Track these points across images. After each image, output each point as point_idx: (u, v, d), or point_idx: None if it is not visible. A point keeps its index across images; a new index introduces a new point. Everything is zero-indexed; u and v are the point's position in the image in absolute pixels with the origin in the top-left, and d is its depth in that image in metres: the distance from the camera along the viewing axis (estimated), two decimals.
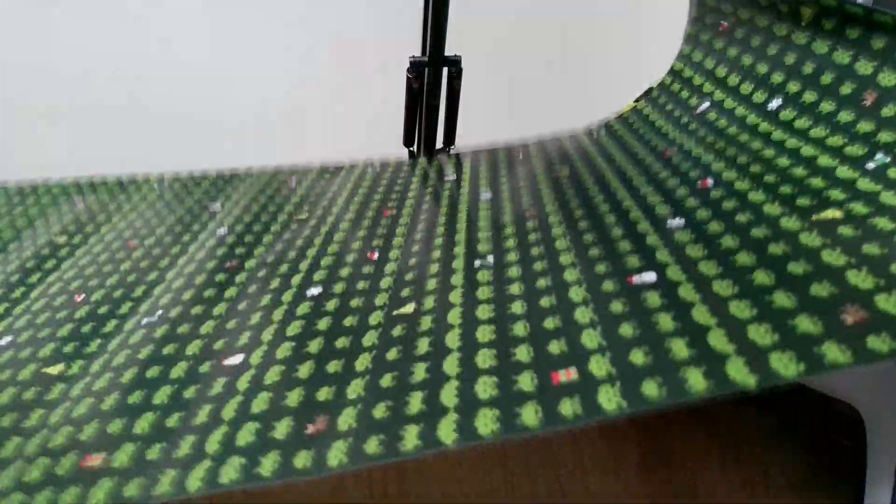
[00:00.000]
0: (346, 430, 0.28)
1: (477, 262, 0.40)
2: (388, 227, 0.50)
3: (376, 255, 0.45)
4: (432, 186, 0.58)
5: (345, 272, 0.43)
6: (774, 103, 0.46)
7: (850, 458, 0.40)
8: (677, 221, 0.38)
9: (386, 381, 0.30)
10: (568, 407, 0.26)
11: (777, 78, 0.46)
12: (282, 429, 0.29)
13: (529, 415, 0.26)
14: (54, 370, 0.38)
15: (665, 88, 0.59)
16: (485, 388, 0.28)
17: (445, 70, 0.62)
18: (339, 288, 0.41)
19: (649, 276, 0.33)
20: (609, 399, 0.26)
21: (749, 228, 0.34)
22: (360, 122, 1.03)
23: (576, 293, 0.34)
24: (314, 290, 0.42)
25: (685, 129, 0.52)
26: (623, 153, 0.54)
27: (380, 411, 0.28)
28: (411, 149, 0.71)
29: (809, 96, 0.43)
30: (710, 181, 0.41)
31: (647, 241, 0.37)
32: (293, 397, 0.31)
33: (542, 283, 0.36)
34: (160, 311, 0.42)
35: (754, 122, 0.46)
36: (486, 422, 0.26)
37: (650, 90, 0.73)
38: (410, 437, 0.26)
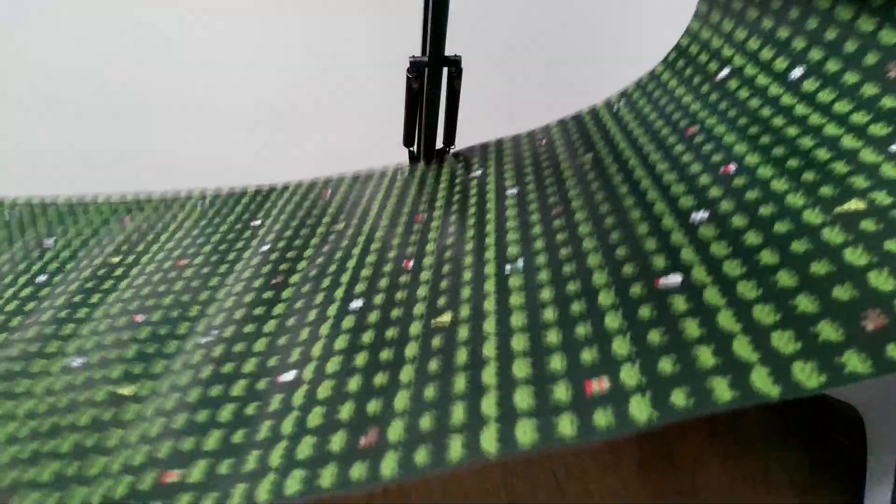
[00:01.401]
0: (396, 442, 0.28)
1: (508, 267, 0.40)
2: (421, 234, 0.50)
3: (411, 264, 0.46)
4: (460, 186, 0.58)
5: (383, 283, 0.44)
6: (796, 72, 0.44)
7: (850, 457, 0.40)
8: (701, 215, 0.37)
9: (429, 392, 0.31)
10: (602, 418, 0.26)
11: (799, 44, 0.45)
12: (337, 442, 0.30)
13: (566, 425, 0.26)
14: (126, 391, 0.39)
15: (682, 51, 0.57)
16: (523, 398, 0.29)
17: (445, 70, 0.62)
18: (378, 299, 0.42)
19: (675, 279, 0.33)
20: (641, 410, 0.26)
21: (772, 223, 0.33)
22: (359, 123, 1.03)
23: (605, 297, 0.34)
24: (356, 304, 0.42)
25: (705, 99, 0.50)
26: (644, 129, 0.52)
27: (426, 422, 0.29)
28: (411, 149, 0.71)
29: (832, 65, 0.41)
30: (732, 167, 0.40)
31: (672, 238, 0.37)
32: (345, 411, 0.32)
33: (571, 287, 0.36)
34: (215, 331, 0.43)
35: (776, 94, 0.44)
36: (525, 431, 0.27)
37: None
38: (456, 447, 0.27)
